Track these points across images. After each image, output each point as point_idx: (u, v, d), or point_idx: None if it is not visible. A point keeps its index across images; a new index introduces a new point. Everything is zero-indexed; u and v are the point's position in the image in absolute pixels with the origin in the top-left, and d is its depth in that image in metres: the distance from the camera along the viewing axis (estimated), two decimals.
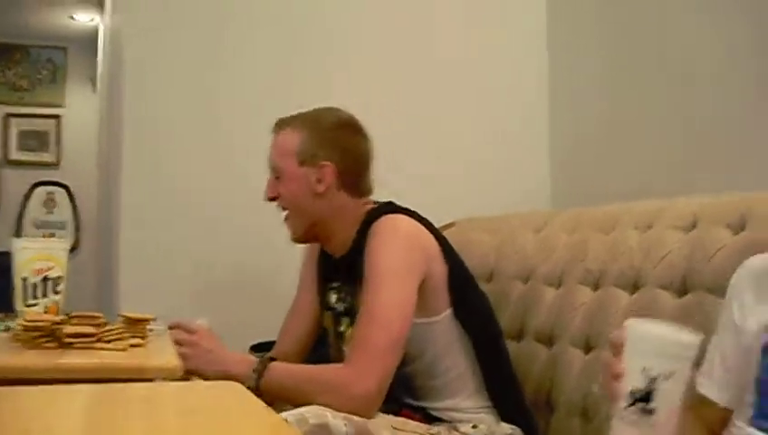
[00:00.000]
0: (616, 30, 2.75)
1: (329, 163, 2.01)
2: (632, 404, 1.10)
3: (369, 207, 2.07)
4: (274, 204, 2.08)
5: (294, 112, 2.08)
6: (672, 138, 2.48)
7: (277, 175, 2.05)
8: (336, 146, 2.03)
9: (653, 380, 1.08)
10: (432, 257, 1.95)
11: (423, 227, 1.98)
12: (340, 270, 2.07)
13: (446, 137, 2.93)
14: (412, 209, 2.02)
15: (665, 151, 2.50)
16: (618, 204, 2.18)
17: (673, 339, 1.11)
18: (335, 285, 2.10)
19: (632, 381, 1.10)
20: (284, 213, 2.08)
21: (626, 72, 2.69)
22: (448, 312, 1.96)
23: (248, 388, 1.84)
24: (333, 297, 2.09)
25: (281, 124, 2.08)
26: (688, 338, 1.11)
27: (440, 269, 1.96)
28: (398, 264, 1.90)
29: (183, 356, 1.86)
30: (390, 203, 2.07)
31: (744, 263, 1.40)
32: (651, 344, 1.10)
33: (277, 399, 1.88)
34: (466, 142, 2.94)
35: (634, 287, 1.91)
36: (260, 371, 1.88)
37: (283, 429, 0.98)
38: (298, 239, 2.11)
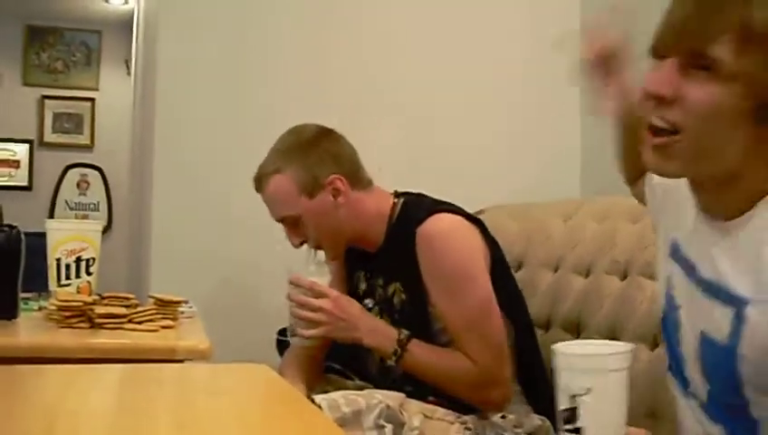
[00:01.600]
0: (645, 18, 2.73)
1: (335, 175, 2.01)
2: (564, 423, 1.10)
3: (392, 199, 2.06)
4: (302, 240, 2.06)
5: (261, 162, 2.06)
6: None
7: (293, 222, 2.03)
8: (327, 159, 2.02)
9: (573, 398, 1.08)
10: (481, 246, 1.96)
11: (464, 220, 1.97)
12: (373, 262, 2.07)
13: (478, 124, 2.92)
14: (444, 201, 2.02)
15: None
16: None
17: (583, 355, 1.12)
18: (365, 273, 2.10)
19: (560, 401, 1.11)
20: (313, 245, 2.06)
21: None
22: (492, 299, 1.96)
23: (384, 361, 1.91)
24: (363, 286, 2.10)
25: (262, 178, 2.04)
26: (604, 351, 1.12)
27: (486, 255, 1.97)
28: (467, 263, 1.92)
29: (314, 322, 1.90)
30: (421, 195, 2.08)
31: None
32: (565, 363, 1.11)
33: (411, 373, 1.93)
34: (498, 130, 2.94)
35: None
36: (400, 354, 1.90)
37: (310, 412, 0.99)
38: (338, 256, 2.11)
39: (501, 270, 2.00)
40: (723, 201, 1.14)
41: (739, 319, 1.10)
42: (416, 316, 1.95)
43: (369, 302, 2.06)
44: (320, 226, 2.02)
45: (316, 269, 1.96)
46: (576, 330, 2.12)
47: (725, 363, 1.12)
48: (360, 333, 1.92)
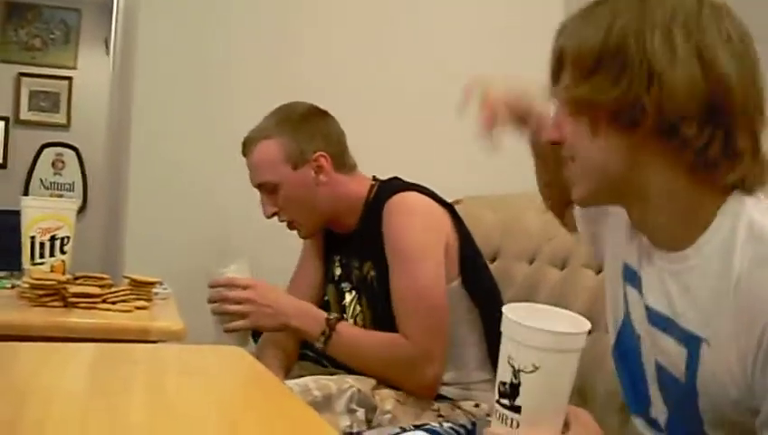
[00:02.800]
0: None
1: (321, 152, 2.02)
2: (501, 397, 1.03)
3: (370, 182, 2.07)
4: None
5: (253, 127, 2.07)
6: None
7: (271, 189, 2.04)
8: (316, 135, 2.04)
9: (516, 372, 1.00)
10: (445, 229, 1.96)
11: (433, 202, 1.98)
12: (347, 244, 2.08)
13: (455, 114, 2.92)
14: (418, 184, 2.03)
15: None
16: None
17: (537, 329, 1.00)
18: (340, 258, 2.11)
19: (501, 372, 1.03)
20: (287, 224, 2.07)
21: None
22: (457, 282, 1.97)
23: (312, 345, 1.89)
24: (338, 271, 2.10)
25: (252, 141, 2.05)
26: (559, 329, 1.02)
27: (452, 240, 1.97)
28: (422, 242, 1.91)
29: (242, 315, 1.88)
30: (396, 178, 2.08)
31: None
32: (515, 333, 1.01)
33: (340, 360, 1.92)
34: (476, 119, 2.93)
35: None
36: (328, 334, 1.88)
37: (283, 394, 0.99)
38: (310, 235, 2.11)
39: (468, 254, 2.00)
40: (659, 227, 1.14)
41: (692, 358, 1.08)
42: (386, 293, 1.94)
43: (346, 285, 2.07)
44: (297, 199, 2.02)
45: (237, 268, 1.94)
46: None
47: (685, 398, 1.11)
48: (287, 317, 1.90)
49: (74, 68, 6.48)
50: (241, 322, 1.89)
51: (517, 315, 1.01)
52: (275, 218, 2.07)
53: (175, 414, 0.85)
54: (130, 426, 0.80)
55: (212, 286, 1.92)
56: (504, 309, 1.03)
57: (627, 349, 1.25)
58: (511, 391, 1.01)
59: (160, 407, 0.87)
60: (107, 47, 5.73)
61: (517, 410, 1.01)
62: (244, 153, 2.07)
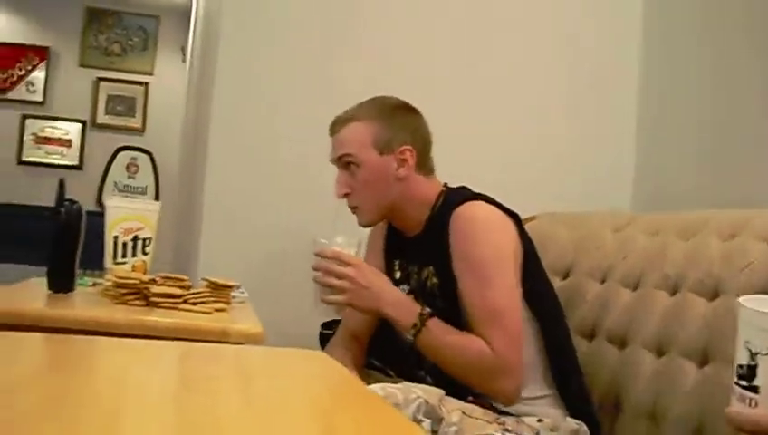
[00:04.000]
0: (714, 32, 2.71)
1: (408, 147, 2.04)
2: (739, 379, 1.09)
3: (441, 188, 2.08)
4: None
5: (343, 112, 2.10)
6: (759, 146, 2.44)
7: (350, 166, 2.05)
8: (407, 129, 2.06)
9: (754, 355, 1.06)
10: (513, 238, 1.97)
11: (499, 211, 1.98)
12: (410, 248, 2.09)
13: (533, 131, 2.92)
14: (485, 194, 2.03)
15: (750, 160, 2.46)
16: (700, 211, 2.16)
17: None
18: (401, 262, 2.12)
19: (739, 355, 1.09)
20: (351, 206, 2.09)
21: (722, 75, 2.65)
22: (517, 292, 1.97)
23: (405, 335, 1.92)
24: (398, 274, 2.11)
25: (343, 120, 2.08)
26: None
27: (518, 250, 1.97)
28: (496, 253, 1.92)
29: (338, 289, 1.92)
30: (465, 188, 2.09)
31: None
32: (752, 318, 1.08)
33: (424, 353, 1.95)
34: (552, 137, 2.94)
35: (713, 295, 1.89)
36: (419, 328, 1.90)
37: (369, 398, 1.00)
38: (370, 224, 2.13)
39: (533, 269, 2.00)
40: None
41: None
42: (447, 301, 1.96)
43: (404, 288, 2.08)
44: (372, 185, 2.04)
45: (344, 241, 1.97)
46: (621, 342, 2.11)
47: None
48: (383, 304, 1.93)
49: (151, 74, 6.62)
50: (338, 297, 1.92)
51: (754, 304, 1.08)
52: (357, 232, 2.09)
53: (264, 412, 0.87)
54: (224, 423, 0.82)
55: (318, 255, 1.95)
56: (741, 299, 1.10)
57: None
58: (749, 372, 1.07)
59: (255, 403, 0.89)
60: (183, 54, 5.84)
61: (755, 389, 1.08)
62: (333, 131, 2.09)
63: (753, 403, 1.08)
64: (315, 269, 1.94)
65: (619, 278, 2.21)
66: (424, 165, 2.08)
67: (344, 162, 2.06)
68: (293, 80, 2.78)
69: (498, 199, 2.03)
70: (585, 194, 2.88)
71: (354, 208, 2.09)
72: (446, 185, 2.11)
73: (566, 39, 2.98)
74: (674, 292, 2.02)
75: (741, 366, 1.08)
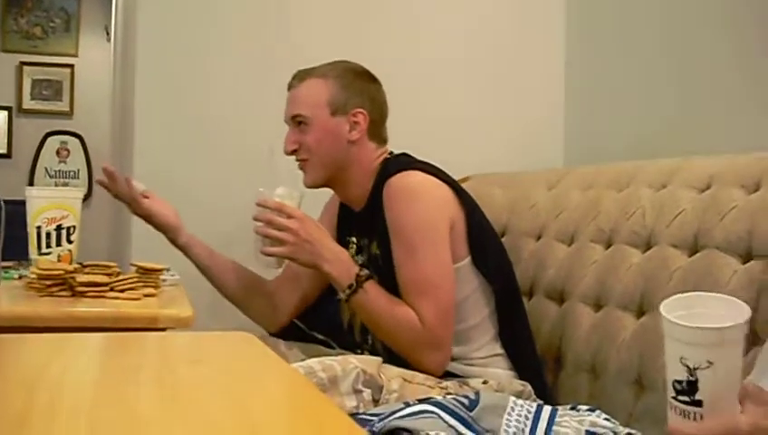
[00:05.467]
0: None
1: (362, 110, 2.03)
2: (678, 394, 1.07)
3: (384, 156, 2.07)
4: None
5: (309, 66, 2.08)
6: (687, 97, 2.46)
7: (302, 126, 2.04)
8: (364, 94, 2.06)
9: (693, 371, 1.04)
10: (448, 207, 1.96)
11: (436, 179, 1.97)
12: (358, 222, 2.08)
13: (462, 92, 2.91)
14: (425, 160, 2.02)
15: (679, 110, 2.48)
16: (631, 162, 2.16)
17: (706, 327, 1.04)
18: (354, 239, 2.10)
19: (673, 371, 1.06)
20: (300, 162, 2.08)
21: (642, 27, 2.66)
22: (467, 260, 1.96)
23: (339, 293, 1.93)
24: (351, 251, 2.10)
25: (302, 75, 2.07)
26: (729, 323, 1.04)
27: (458, 217, 1.96)
28: (426, 225, 1.91)
29: (280, 241, 1.90)
30: (405, 154, 2.07)
31: None
32: (683, 334, 1.05)
33: (358, 314, 1.97)
34: (481, 98, 2.92)
35: (646, 246, 1.91)
36: (354, 289, 1.90)
37: (295, 379, 0.98)
38: (314, 185, 2.10)
39: (477, 231, 1.99)
40: None
41: None
42: (389, 272, 1.95)
43: (359, 259, 2.06)
44: (320, 143, 2.03)
45: (285, 192, 1.95)
46: (560, 298, 2.12)
47: None
48: (322, 259, 1.92)
49: (75, 55, 6.48)
50: (278, 248, 1.91)
51: (678, 315, 1.05)
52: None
53: (183, 403, 0.85)
54: (140, 416, 0.80)
55: (260, 205, 1.93)
56: (663, 311, 1.07)
57: None
58: (689, 387, 1.05)
59: (170, 397, 0.86)
60: (108, 34, 5.72)
61: (698, 403, 1.05)
62: (291, 85, 2.08)
63: (697, 417, 1.06)
64: (256, 220, 1.93)
65: (554, 235, 2.22)
66: (377, 134, 2.08)
67: (296, 121, 2.05)
68: (216, 52, 2.73)
69: (433, 163, 2.02)
70: (517, 152, 2.88)
71: (302, 164, 2.07)
72: (390, 153, 2.09)
73: (490, 1, 2.97)
74: (608, 245, 2.03)
75: (679, 382, 1.06)
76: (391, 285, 1.93)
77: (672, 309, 1.08)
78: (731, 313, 1.06)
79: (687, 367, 1.03)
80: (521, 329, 2.04)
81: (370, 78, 2.11)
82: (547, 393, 1.97)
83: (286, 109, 2.09)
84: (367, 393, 1.74)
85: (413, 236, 1.90)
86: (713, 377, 1.03)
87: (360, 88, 2.06)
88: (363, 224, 2.06)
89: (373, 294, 1.91)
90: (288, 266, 2.17)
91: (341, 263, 1.94)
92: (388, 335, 1.93)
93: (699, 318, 1.05)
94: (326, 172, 2.06)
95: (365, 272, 1.93)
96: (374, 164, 2.05)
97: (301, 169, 2.09)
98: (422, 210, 1.92)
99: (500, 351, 1.99)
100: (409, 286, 1.90)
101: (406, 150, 2.11)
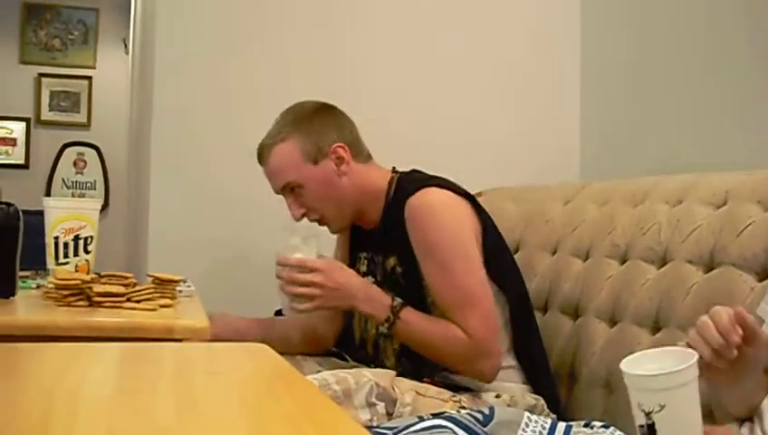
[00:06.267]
0: (649, 2, 2.72)
1: (337, 143, 2.03)
2: None
3: (390, 174, 2.08)
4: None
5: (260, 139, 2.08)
6: (703, 112, 2.45)
7: (295, 190, 2.04)
8: (329, 128, 2.06)
9: (648, 414, 1.15)
10: (469, 220, 1.97)
11: (455, 195, 1.98)
12: (372, 240, 2.08)
13: (477, 106, 2.91)
14: (438, 176, 2.03)
15: (696, 126, 2.48)
16: (648, 178, 2.16)
17: (652, 376, 1.15)
18: (366, 255, 2.11)
19: (636, 417, 1.17)
20: (317, 222, 2.08)
21: (659, 43, 2.66)
22: (482, 273, 1.96)
23: (377, 327, 1.96)
24: (363, 267, 2.10)
25: (266, 150, 2.06)
26: (672, 368, 1.16)
27: (477, 231, 1.97)
28: (453, 238, 1.93)
29: (309, 297, 1.88)
30: (415, 171, 2.08)
31: None
32: (634, 383, 1.16)
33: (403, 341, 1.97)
34: (497, 112, 2.93)
35: (662, 262, 1.90)
36: (392, 321, 1.91)
37: (311, 391, 0.99)
38: (341, 229, 2.13)
39: (494, 245, 2.00)
40: None
41: None
42: (412, 288, 1.96)
43: (370, 278, 2.07)
44: (323, 195, 2.03)
45: (301, 242, 1.93)
46: (575, 313, 2.12)
47: None
48: (356, 301, 1.93)
49: (93, 67, 6.52)
50: (308, 304, 1.90)
51: (632, 368, 1.17)
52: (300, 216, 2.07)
53: (200, 414, 0.85)
54: (157, 426, 0.80)
55: (280, 264, 1.91)
56: (622, 367, 1.18)
57: None
58: (649, 431, 1.16)
59: (186, 407, 0.87)
60: (126, 46, 5.75)
61: None
62: (261, 161, 2.08)
63: None
64: (279, 278, 1.91)
65: (570, 250, 2.21)
66: (359, 153, 2.08)
67: (288, 189, 2.05)
68: (234, 65, 2.74)
69: (449, 179, 2.02)
70: (534, 168, 2.88)
71: (320, 221, 2.08)
72: (394, 169, 2.10)
73: (507, 13, 2.97)
74: (623, 260, 2.02)
75: (641, 426, 1.17)
76: (415, 300, 1.94)
77: (633, 365, 1.20)
78: (680, 360, 1.17)
79: (644, 412, 1.15)
80: (534, 343, 2.04)
81: (326, 108, 2.10)
82: (560, 408, 1.97)
83: (272, 184, 2.08)
84: (381, 406, 1.74)
85: (445, 253, 1.91)
86: (667, 418, 1.15)
87: (320, 126, 2.05)
88: (378, 241, 2.06)
89: (412, 319, 1.92)
90: None
91: (374, 299, 1.94)
92: (437, 354, 1.94)
93: (650, 369, 1.18)
94: (343, 214, 2.07)
95: (398, 301, 1.93)
96: (379, 184, 2.05)
97: (321, 224, 2.09)
98: (449, 226, 1.93)
99: (513, 363, 2.00)
100: (449, 302, 1.91)
101: (420, 166, 2.11)
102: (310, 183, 2.03)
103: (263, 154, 2.07)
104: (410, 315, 1.92)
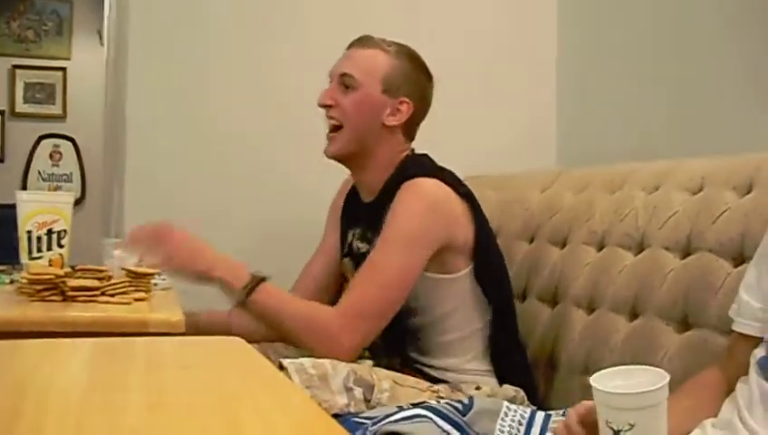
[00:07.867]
0: None
1: (409, 101, 2.01)
2: None
3: (406, 154, 2.05)
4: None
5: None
6: (680, 98, 2.46)
7: (346, 87, 2.00)
8: (418, 86, 2.04)
9: (617, 432, 1.13)
10: (457, 223, 1.94)
11: (452, 192, 1.95)
12: (365, 216, 2.06)
13: (453, 94, 2.89)
14: (446, 168, 2.01)
15: (672, 112, 2.48)
16: (625, 164, 2.16)
17: (625, 394, 1.13)
18: (357, 230, 2.09)
19: (603, 433, 1.15)
20: (332, 123, 2.02)
21: (635, 28, 2.66)
22: (467, 270, 1.95)
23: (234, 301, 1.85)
24: (356, 243, 2.08)
25: (369, 42, 2.03)
26: (644, 388, 1.14)
27: (465, 232, 1.94)
28: (414, 231, 1.89)
29: (166, 256, 1.85)
30: (426, 156, 2.06)
31: None
32: (604, 399, 1.14)
33: (258, 319, 1.90)
34: (473, 99, 2.92)
35: (639, 248, 1.90)
36: (251, 288, 1.84)
37: (283, 384, 0.98)
38: (336, 156, 2.05)
39: (484, 245, 1.98)
40: None
41: None
42: None
43: (359, 251, 2.05)
44: (358, 111, 2.00)
45: (122, 253, 1.90)
46: (553, 300, 2.12)
47: None
48: (214, 265, 1.87)
49: (68, 59, 6.46)
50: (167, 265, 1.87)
51: (603, 384, 1.15)
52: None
53: (171, 408, 0.85)
54: (128, 422, 0.79)
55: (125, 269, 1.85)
56: (592, 381, 1.16)
57: None
58: None
59: (157, 404, 0.86)
60: (100, 37, 5.70)
61: None
62: (353, 44, 2.05)
63: None
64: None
65: (547, 237, 2.21)
66: (410, 129, 2.06)
67: (342, 80, 2.01)
68: (208, 55, 2.72)
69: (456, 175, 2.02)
70: (510, 154, 2.88)
71: (333, 128, 2.02)
72: (413, 151, 2.08)
73: (481, 2, 2.96)
74: (601, 247, 2.02)
75: None
76: None
77: (604, 380, 1.17)
78: (651, 380, 1.15)
79: (612, 429, 1.13)
80: (512, 341, 2.03)
81: (429, 75, 2.08)
82: (538, 402, 1.96)
83: (338, 64, 2.04)
84: (358, 392, 1.73)
85: (395, 233, 1.88)
86: None
87: (416, 79, 2.04)
88: (371, 216, 2.01)
89: (273, 291, 1.86)
90: (304, 278, 2.19)
91: (234, 270, 1.88)
92: (290, 326, 1.86)
93: (621, 387, 1.15)
94: (352, 147, 2.02)
95: (263, 274, 1.87)
96: (397, 157, 2.03)
97: (330, 133, 2.03)
98: (416, 217, 1.90)
99: (489, 367, 1.99)
100: (367, 270, 1.88)
101: None
102: (362, 93, 1.99)
103: (362, 41, 2.04)
104: (272, 288, 1.87)
